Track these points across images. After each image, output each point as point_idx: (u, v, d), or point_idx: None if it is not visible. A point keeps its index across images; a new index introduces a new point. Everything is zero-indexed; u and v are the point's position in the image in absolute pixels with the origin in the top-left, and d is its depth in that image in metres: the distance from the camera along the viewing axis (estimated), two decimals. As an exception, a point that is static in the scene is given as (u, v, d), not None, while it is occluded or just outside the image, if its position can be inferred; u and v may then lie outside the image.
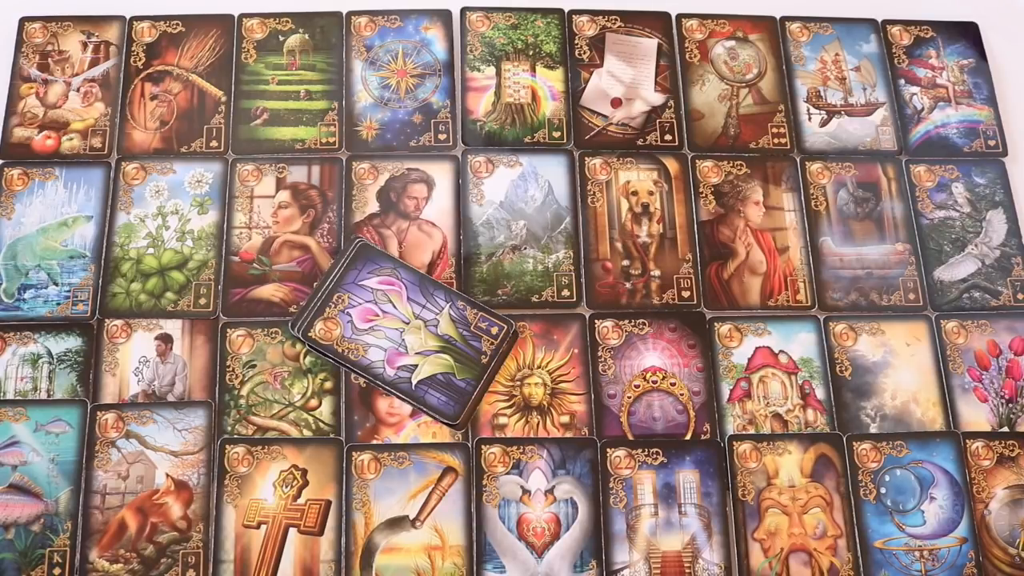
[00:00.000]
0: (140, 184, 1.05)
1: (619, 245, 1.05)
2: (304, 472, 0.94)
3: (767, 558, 0.94)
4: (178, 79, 1.10)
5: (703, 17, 1.16)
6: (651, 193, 1.07)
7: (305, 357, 0.99)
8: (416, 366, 0.97)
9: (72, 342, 0.98)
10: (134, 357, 0.98)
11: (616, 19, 1.15)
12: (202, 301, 1.00)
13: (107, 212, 1.03)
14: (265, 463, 0.95)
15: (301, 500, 0.94)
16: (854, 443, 0.98)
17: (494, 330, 0.99)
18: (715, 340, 1.02)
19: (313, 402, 0.97)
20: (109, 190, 1.04)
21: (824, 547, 0.94)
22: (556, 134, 1.09)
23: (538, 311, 1.02)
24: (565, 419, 0.98)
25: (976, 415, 1.00)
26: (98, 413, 0.95)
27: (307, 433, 0.96)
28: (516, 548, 0.93)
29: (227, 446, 0.95)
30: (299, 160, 1.07)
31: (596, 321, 1.01)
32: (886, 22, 1.18)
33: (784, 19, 1.17)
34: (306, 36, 1.12)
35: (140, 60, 1.11)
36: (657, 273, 1.04)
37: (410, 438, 0.96)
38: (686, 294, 1.03)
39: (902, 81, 1.15)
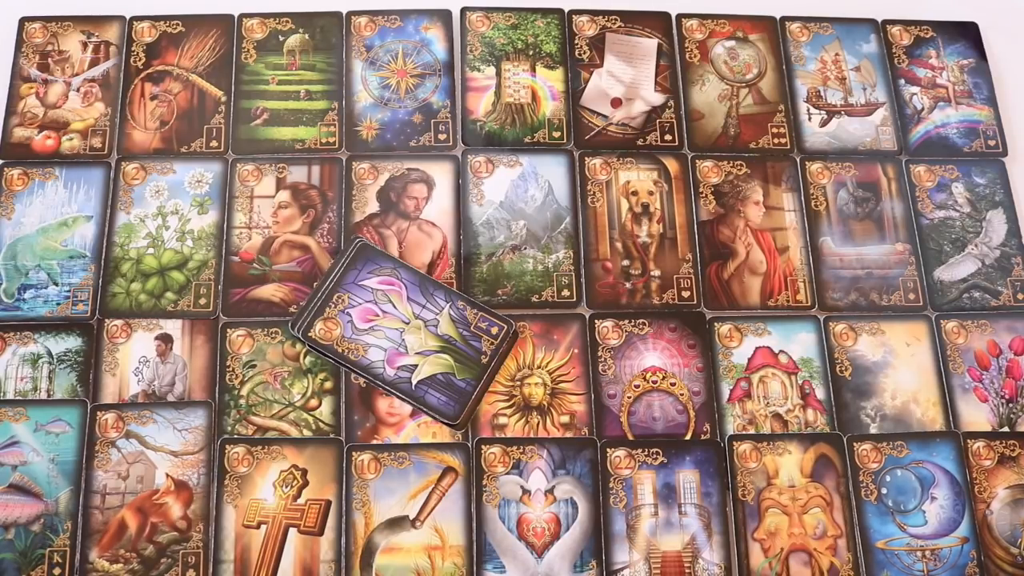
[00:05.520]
0: (140, 184, 1.05)
1: (619, 245, 1.05)
2: (304, 472, 0.94)
3: (767, 558, 0.94)
4: (178, 79, 1.10)
5: (703, 17, 1.16)
6: (651, 193, 1.07)
7: (305, 357, 0.99)
8: (416, 366, 0.97)
9: (72, 342, 0.98)
10: (134, 357, 0.98)
11: (616, 19, 1.15)
12: (202, 301, 1.00)
13: (107, 212, 1.03)
14: (265, 463, 0.95)
15: (301, 500, 0.94)
16: (855, 443, 0.98)
17: (494, 330, 0.99)
18: (715, 340, 1.02)
19: (313, 402, 0.97)
20: (109, 190, 1.04)
21: (824, 547, 0.94)
22: (556, 134, 1.09)
23: (538, 311, 1.02)
24: (565, 419, 0.98)
25: (976, 415, 1.00)
26: (98, 413, 0.95)
27: (307, 433, 0.96)
28: (516, 548, 0.93)
29: (227, 446, 0.95)
30: (299, 160, 1.07)
31: (596, 321, 1.01)
32: (886, 22, 1.18)
33: (784, 19, 1.17)
34: (306, 36, 1.12)
35: (140, 60, 1.11)
36: (657, 273, 1.04)
37: (410, 438, 0.96)
38: (686, 294, 1.03)
39: (902, 81, 1.15)
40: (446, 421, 0.96)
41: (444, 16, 1.14)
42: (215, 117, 1.08)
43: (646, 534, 0.94)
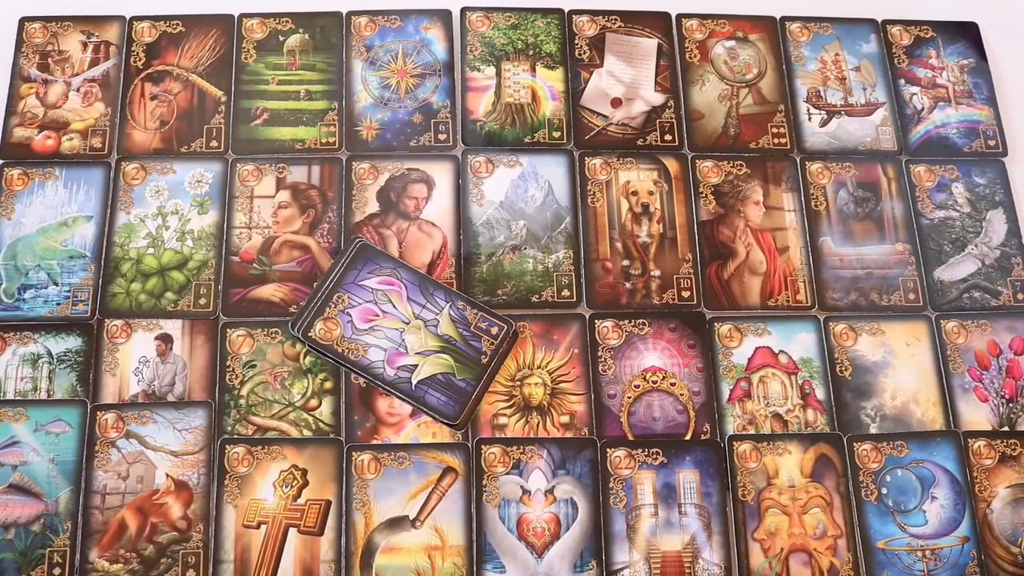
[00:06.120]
0: (140, 184, 1.05)
1: (619, 245, 1.05)
2: (304, 472, 0.94)
3: (767, 558, 0.94)
4: (178, 79, 1.10)
5: (703, 17, 1.16)
6: (651, 193, 1.07)
7: (305, 357, 0.99)
8: (416, 366, 0.97)
9: (72, 342, 0.98)
10: (134, 357, 0.98)
11: (616, 19, 1.15)
12: (202, 301, 1.00)
13: (107, 212, 1.03)
14: (265, 463, 0.95)
15: (301, 500, 0.94)
16: (855, 444, 0.98)
17: (494, 330, 0.99)
18: (715, 340, 1.02)
19: (313, 402, 0.97)
20: (109, 190, 1.04)
21: (824, 547, 0.94)
22: (556, 134, 1.09)
23: (538, 311, 1.02)
24: (565, 419, 0.98)
25: (976, 415, 1.00)
26: (98, 413, 0.95)
27: (307, 433, 0.96)
28: (516, 548, 0.93)
29: (227, 446, 0.95)
30: (299, 160, 1.07)
31: (596, 321, 1.01)
32: (886, 22, 1.18)
33: (784, 19, 1.17)
34: (306, 36, 1.12)
35: (140, 60, 1.11)
36: (657, 273, 1.04)
37: (410, 438, 0.96)
38: (686, 294, 1.03)
39: (902, 81, 1.15)
40: (446, 421, 0.96)
41: (444, 16, 1.14)
42: (215, 117, 1.08)
43: (646, 534, 0.94)
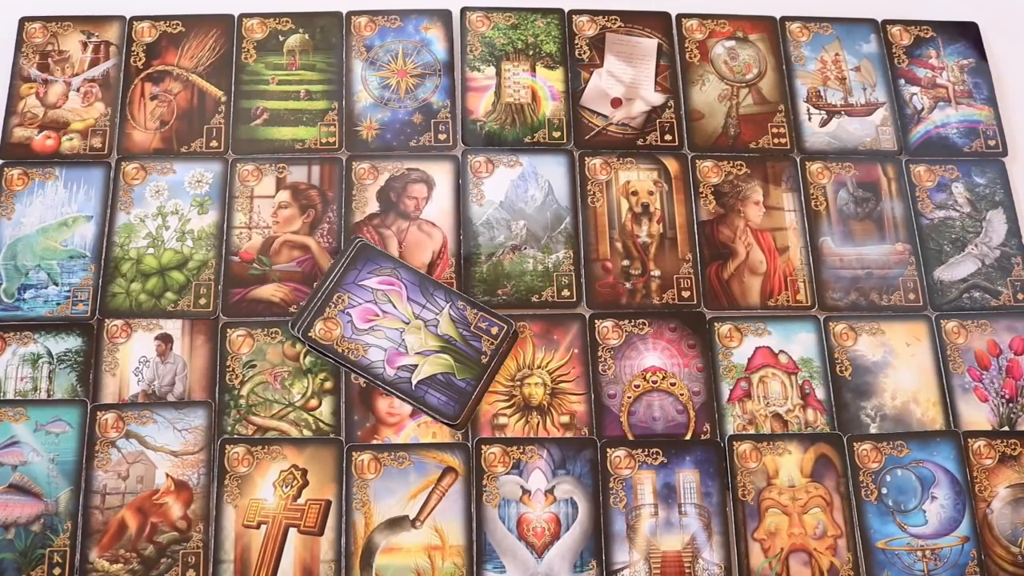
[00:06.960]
0: (140, 184, 1.05)
1: (619, 245, 1.05)
2: (304, 472, 0.94)
3: (767, 558, 0.94)
4: (178, 79, 1.10)
5: (703, 17, 1.16)
6: (651, 193, 1.07)
7: (305, 357, 0.99)
8: (416, 366, 0.97)
9: (72, 342, 0.98)
10: (134, 357, 0.98)
11: (616, 19, 1.15)
12: (202, 301, 1.00)
13: (107, 212, 1.03)
14: (265, 463, 0.95)
15: (301, 500, 0.94)
16: (855, 443, 0.98)
17: (494, 330, 0.99)
18: (715, 340, 1.02)
19: (313, 402, 0.97)
20: (109, 190, 1.04)
21: (824, 547, 0.94)
22: (556, 134, 1.09)
23: (538, 311, 1.02)
24: (565, 419, 0.98)
25: (976, 415, 1.00)
26: (98, 413, 0.95)
27: (307, 433, 0.96)
28: (516, 548, 0.93)
29: (227, 446, 0.95)
30: (299, 160, 1.07)
31: (596, 321, 1.01)
32: (886, 22, 1.18)
33: (784, 19, 1.17)
34: (306, 36, 1.12)
35: (140, 60, 1.11)
36: (657, 273, 1.04)
37: (410, 438, 0.96)
38: (686, 294, 1.03)
39: (902, 81, 1.15)
40: (446, 421, 0.96)
41: (444, 16, 1.14)
42: (215, 117, 1.08)
43: (646, 534, 0.94)
